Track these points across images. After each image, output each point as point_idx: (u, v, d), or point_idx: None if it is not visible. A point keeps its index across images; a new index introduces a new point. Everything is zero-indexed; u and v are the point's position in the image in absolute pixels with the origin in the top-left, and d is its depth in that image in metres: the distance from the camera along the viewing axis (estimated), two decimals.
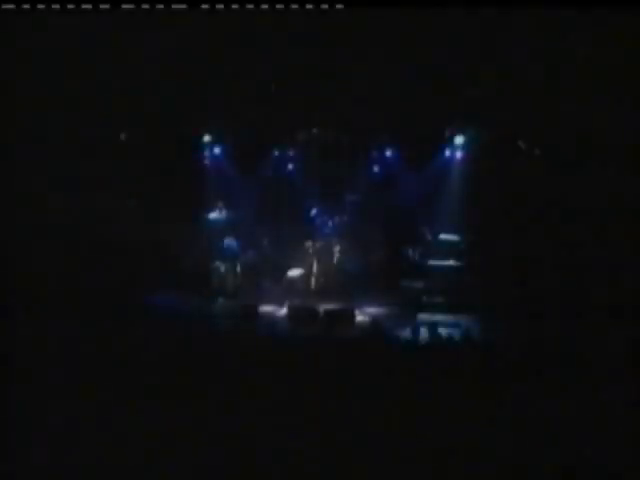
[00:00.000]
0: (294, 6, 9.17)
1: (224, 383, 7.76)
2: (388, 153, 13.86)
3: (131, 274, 11.74)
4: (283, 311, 11.79)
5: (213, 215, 13.54)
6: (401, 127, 12.95)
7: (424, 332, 10.18)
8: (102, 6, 9.18)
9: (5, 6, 9.01)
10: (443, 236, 12.93)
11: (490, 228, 12.28)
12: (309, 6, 9.13)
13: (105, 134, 12.69)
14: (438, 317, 11.23)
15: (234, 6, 9.32)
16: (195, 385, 7.76)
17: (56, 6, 9.08)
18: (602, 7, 9.07)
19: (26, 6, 9.05)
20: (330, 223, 13.79)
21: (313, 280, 12.92)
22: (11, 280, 10.26)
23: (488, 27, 10.49)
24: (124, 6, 9.23)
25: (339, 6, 9.14)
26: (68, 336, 8.70)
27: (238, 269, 13.17)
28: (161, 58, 11.51)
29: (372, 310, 11.79)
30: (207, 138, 13.85)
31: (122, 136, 13.19)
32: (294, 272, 12.99)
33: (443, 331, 10.22)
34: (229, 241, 13.29)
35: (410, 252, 12.97)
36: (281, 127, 13.66)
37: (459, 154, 13.22)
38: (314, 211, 13.92)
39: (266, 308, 11.89)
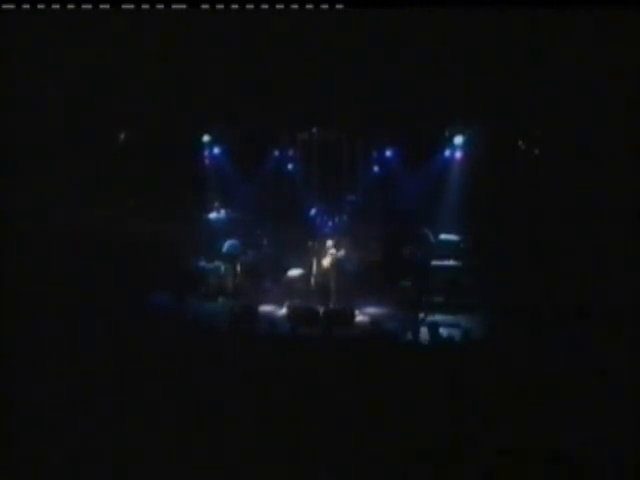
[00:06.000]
0: (294, 6, 9.16)
1: (224, 383, 7.76)
2: (388, 153, 13.87)
3: (131, 274, 11.73)
4: (283, 311, 11.79)
5: (213, 215, 13.56)
6: (401, 127, 12.96)
7: (424, 332, 10.18)
8: (102, 6, 9.17)
9: (5, 6, 9.00)
10: (443, 236, 12.93)
11: (490, 228, 12.28)
12: (309, 6, 9.13)
13: (105, 134, 12.68)
14: (438, 317, 11.24)
15: (234, 6, 9.31)
16: (194, 385, 7.76)
17: (56, 6, 9.07)
18: (602, 7, 9.06)
19: (26, 6, 9.04)
20: (330, 223, 13.78)
21: (313, 280, 12.90)
22: (10, 280, 10.25)
23: (488, 27, 10.48)
24: (124, 6, 9.22)
25: (339, 6, 9.13)
26: (67, 336, 8.69)
27: (238, 269, 13.18)
28: (161, 58, 11.50)
29: (372, 310, 11.78)
30: (207, 138, 13.86)
31: (122, 136, 13.19)
32: (294, 272, 12.98)
33: (443, 331, 10.22)
34: (229, 241, 13.29)
35: (410, 252, 12.96)
36: (281, 127, 13.67)
37: (459, 154, 13.23)
38: (314, 211, 13.92)
39: (266, 308, 11.90)
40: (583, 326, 9.19)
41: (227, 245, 13.22)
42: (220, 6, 9.32)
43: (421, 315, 11.39)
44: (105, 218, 12.65)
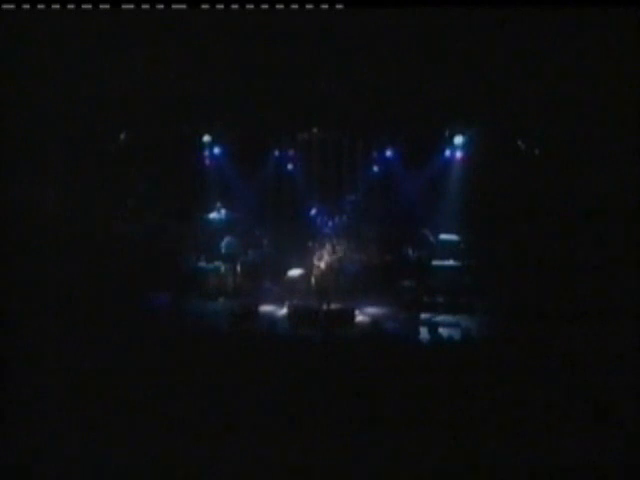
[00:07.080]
0: (294, 6, 9.16)
1: (224, 383, 7.76)
2: (388, 153, 13.88)
3: (131, 274, 11.74)
4: (283, 311, 11.79)
5: (213, 215, 13.56)
6: (401, 127, 12.97)
7: (424, 332, 10.19)
8: (102, 6, 9.17)
9: (5, 6, 9.01)
10: (443, 236, 12.94)
11: (490, 228, 12.29)
12: (309, 6, 9.13)
13: (105, 134, 12.69)
14: (438, 317, 11.25)
15: (234, 6, 9.32)
16: (194, 385, 7.76)
17: (56, 6, 9.07)
18: (602, 7, 9.06)
19: (26, 6, 9.05)
20: (330, 223, 13.81)
21: (313, 280, 12.90)
22: (10, 280, 10.25)
23: (488, 27, 10.48)
24: (124, 6, 9.22)
25: (339, 6, 9.13)
26: (67, 336, 8.69)
27: (238, 269, 13.18)
28: (161, 58, 11.50)
29: (372, 310, 11.79)
30: (207, 138, 13.88)
31: (122, 136, 13.20)
32: (294, 272, 12.99)
33: (443, 331, 10.23)
34: (229, 241, 13.30)
35: (410, 252, 12.97)
36: (281, 127, 13.68)
37: (459, 154, 13.24)
38: (314, 211, 13.93)
39: (266, 308, 11.91)
40: (583, 325, 9.19)
41: (225, 243, 13.24)
42: (220, 6, 9.31)
43: (421, 315, 11.39)
44: (105, 218, 12.64)
